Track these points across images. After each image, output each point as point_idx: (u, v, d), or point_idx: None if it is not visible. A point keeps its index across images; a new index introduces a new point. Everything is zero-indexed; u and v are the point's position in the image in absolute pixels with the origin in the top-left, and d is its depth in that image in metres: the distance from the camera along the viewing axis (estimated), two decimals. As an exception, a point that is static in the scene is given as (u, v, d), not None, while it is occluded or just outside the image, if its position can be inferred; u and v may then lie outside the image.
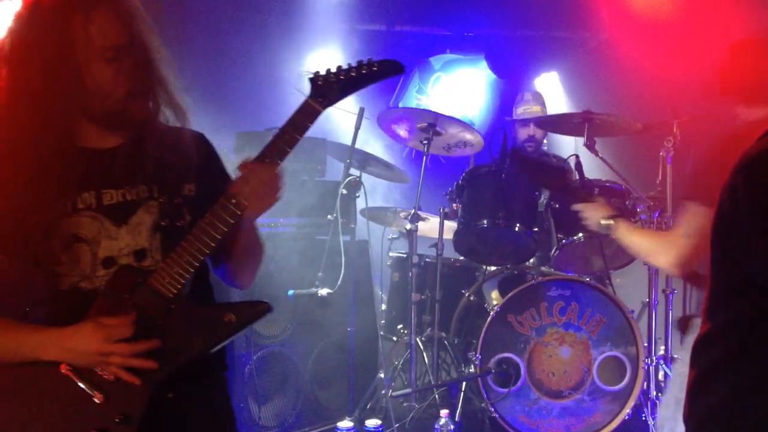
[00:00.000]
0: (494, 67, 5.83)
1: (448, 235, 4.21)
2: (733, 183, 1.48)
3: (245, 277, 1.95)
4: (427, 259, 4.36)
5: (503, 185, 4.02)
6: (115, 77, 1.69)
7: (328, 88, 1.77)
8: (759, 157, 1.46)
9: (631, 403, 3.77)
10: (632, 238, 2.77)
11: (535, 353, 3.81)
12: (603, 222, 2.85)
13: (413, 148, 4.87)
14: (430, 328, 4.14)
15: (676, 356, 3.72)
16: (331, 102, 1.78)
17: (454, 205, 4.17)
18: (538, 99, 5.09)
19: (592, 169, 4.20)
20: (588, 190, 4.04)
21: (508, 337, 3.80)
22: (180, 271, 1.69)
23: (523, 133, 5.03)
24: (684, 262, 2.47)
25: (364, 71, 1.78)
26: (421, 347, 4.19)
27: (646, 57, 4.90)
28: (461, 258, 4.49)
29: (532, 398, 3.78)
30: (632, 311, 3.85)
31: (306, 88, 1.79)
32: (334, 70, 1.79)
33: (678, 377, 2.63)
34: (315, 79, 1.78)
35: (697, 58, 3.32)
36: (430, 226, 4.52)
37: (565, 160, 4.66)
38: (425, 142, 4.00)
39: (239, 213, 1.72)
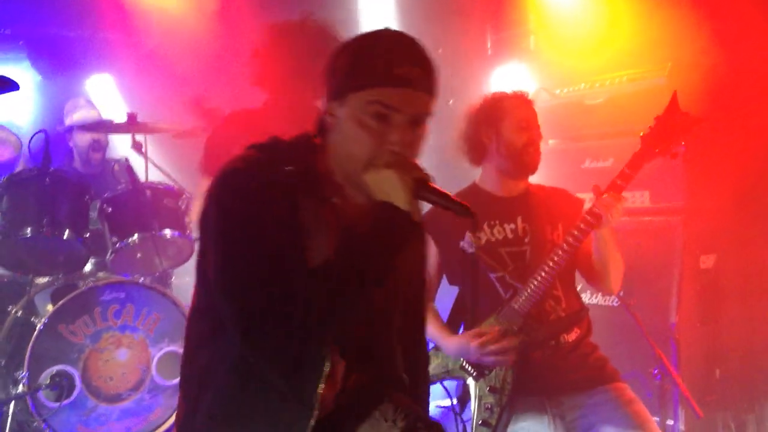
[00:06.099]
0: (39, 67, 5.48)
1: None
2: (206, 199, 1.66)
3: None
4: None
5: (48, 191, 3.84)
6: None
7: None
8: (218, 176, 1.64)
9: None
10: None
11: (91, 360, 3.72)
12: None
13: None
14: (-33, 354, 3.75)
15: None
16: None
17: (-11, 215, 3.83)
18: (93, 104, 4.98)
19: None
20: (140, 193, 4.10)
21: (60, 348, 3.65)
22: None
23: (84, 139, 4.81)
24: None
25: None
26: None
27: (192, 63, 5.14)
28: (8, 273, 4.15)
29: (89, 407, 3.69)
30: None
31: None
32: None
33: None
34: None
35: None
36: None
37: (113, 165, 4.65)
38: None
39: None
